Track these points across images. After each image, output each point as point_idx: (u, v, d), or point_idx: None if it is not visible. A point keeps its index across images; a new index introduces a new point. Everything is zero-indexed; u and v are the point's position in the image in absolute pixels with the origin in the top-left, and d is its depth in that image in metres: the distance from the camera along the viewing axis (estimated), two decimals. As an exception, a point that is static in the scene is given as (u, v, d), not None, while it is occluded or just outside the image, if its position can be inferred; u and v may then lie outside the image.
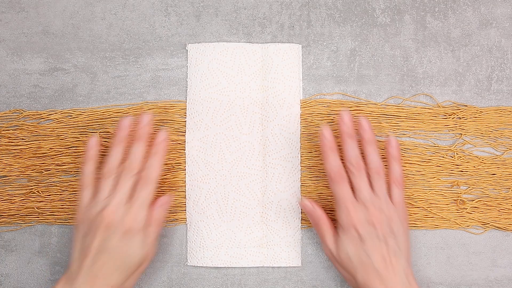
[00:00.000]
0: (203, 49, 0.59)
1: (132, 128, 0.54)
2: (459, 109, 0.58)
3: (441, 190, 0.58)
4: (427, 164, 0.58)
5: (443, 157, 0.58)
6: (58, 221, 0.59)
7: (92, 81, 0.59)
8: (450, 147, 0.58)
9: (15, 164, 0.59)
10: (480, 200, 0.58)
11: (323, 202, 0.59)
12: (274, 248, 0.58)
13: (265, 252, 0.58)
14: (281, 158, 0.58)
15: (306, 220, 0.59)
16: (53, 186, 0.59)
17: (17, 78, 0.60)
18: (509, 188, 0.58)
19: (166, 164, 0.59)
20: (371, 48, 0.59)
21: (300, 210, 0.58)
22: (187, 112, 0.59)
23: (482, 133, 0.58)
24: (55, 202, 0.59)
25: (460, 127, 0.58)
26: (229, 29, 0.59)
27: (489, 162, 0.58)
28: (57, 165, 0.59)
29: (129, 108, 0.59)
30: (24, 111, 0.59)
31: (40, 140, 0.59)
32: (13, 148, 0.59)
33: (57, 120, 0.59)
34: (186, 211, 0.58)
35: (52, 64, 0.60)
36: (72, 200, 0.59)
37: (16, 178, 0.59)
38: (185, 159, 0.59)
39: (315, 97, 0.59)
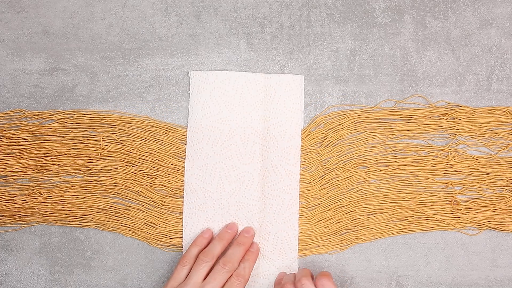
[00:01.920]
0: (206, 77, 0.59)
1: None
2: (452, 110, 0.58)
3: (435, 191, 0.58)
4: (421, 164, 0.58)
5: (438, 157, 0.58)
6: (59, 222, 0.59)
7: (92, 81, 0.60)
8: (444, 147, 0.58)
9: (16, 164, 0.59)
10: (475, 201, 0.58)
11: (320, 235, 0.58)
12: (270, 277, 0.58)
13: (261, 282, 0.58)
14: (280, 189, 0.58)
15: (303, 251, 0.58)
16: (54, 187, 0.59)
17: (17, 78, 0.60)
18: (504, 188, 0.58)
19: (165, 186, 0.59)
20: (371, 48, 0.59)
21: (297, 242, 0.58)
22: (187, 139, 0.59)
23: (476, 133, 0.59)
24: (56, 203, 0.59)
25: (454, 127, 0.58)
26: (229, 29, 0.59)
27: (484, 162, 0.58)
28: (58, 165, 0.59)
29: (131, 119, 0.59)
30: (26, 111, 0.59)
31: (41, 140, 0.59)
32: (15, 148, 0.59)
33: (58, 121, 0.59)
34: (183, 239, 0.58)
35: (52, 64, 0.60)
36: (73, 202, 0.59)
37: (18, 178, 0.59)
38: (183, 186, 0.58)
39: (313, 121, 0.59)
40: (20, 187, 0.59)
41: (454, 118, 0.59)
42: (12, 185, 0.59)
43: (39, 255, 0.59)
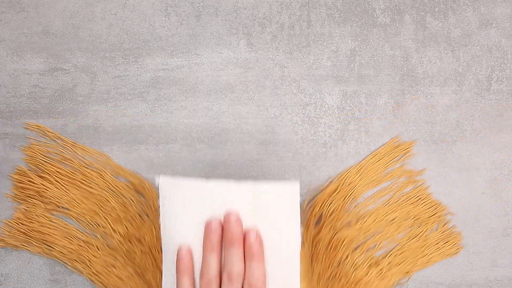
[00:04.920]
0: (177, 185, 0.46)
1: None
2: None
3: (355, 263, 0.57)
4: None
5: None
6: (98, 283, 0.58)
7: (92, 81, 0.60)
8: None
9: (81, 203, 0.59)
10: (391, 252, 0.58)
11: None
12: None
13: None
14: None
15: None
16: (106, 246, 0.58)
17: (17, 78, 0.60)
18: (411, 227, 0.58)
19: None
20: (371, 48, 0.59)
21: None
22: (163, 266, 0.48)
23: (369, 188, 0.58)
24: (105, 267, 0.58)
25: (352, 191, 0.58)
26: (229, 29, 0.60)
27: (384, 212, 0.58)
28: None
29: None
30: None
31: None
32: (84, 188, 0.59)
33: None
34: None
35: (52, 64, 0.60)
36: (118, 273, 0.58)
37: (78, 217, 0.59)
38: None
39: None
40: (80, 232, 0.59)
41: (349, 184, 0.58)
42: (75, 227, 0.59)
43: (39, 255, 0.60)
